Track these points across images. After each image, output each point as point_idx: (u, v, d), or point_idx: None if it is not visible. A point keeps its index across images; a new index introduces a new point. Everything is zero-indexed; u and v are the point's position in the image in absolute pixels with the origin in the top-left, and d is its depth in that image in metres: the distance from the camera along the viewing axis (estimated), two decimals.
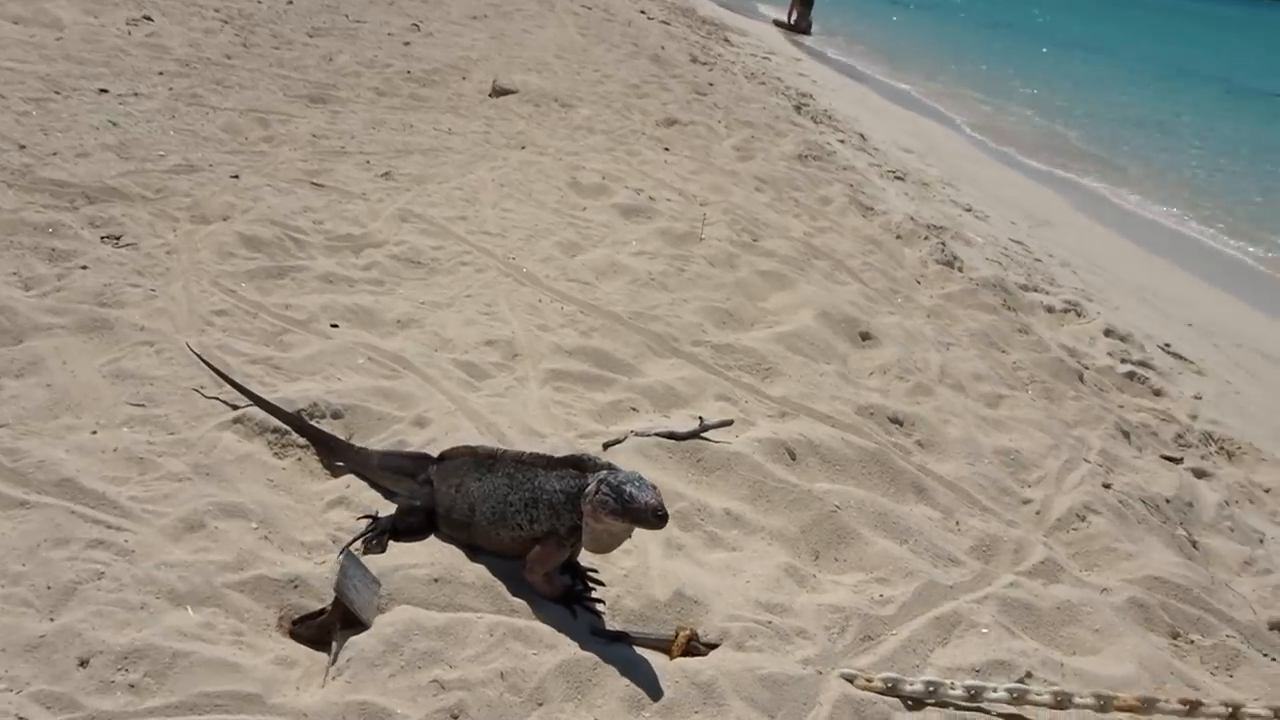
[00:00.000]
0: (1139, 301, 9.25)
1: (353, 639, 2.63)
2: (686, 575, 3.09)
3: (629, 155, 8.27)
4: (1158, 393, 6.40)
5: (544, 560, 2.87)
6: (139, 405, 3.59)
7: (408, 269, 5.16)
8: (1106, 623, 3.44)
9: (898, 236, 8.05)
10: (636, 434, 3.78)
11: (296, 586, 2.84)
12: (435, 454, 3.20)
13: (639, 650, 2.78)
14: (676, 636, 2.80)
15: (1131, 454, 5.16)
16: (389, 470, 3.33)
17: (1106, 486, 4.47)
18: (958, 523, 3.92)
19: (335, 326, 4.40)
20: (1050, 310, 7.54)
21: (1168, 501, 4.60)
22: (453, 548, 2.99)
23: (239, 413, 3.57)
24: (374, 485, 3.34)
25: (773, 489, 3.70)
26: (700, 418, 3.92)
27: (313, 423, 3.57)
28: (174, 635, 2.57)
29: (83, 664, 2.45)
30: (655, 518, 2.61)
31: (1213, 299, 9.90)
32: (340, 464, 3.47)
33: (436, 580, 2.83)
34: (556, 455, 2.90)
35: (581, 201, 6.80)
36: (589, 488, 2.73)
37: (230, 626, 2.68)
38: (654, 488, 2.69)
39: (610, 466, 2.76)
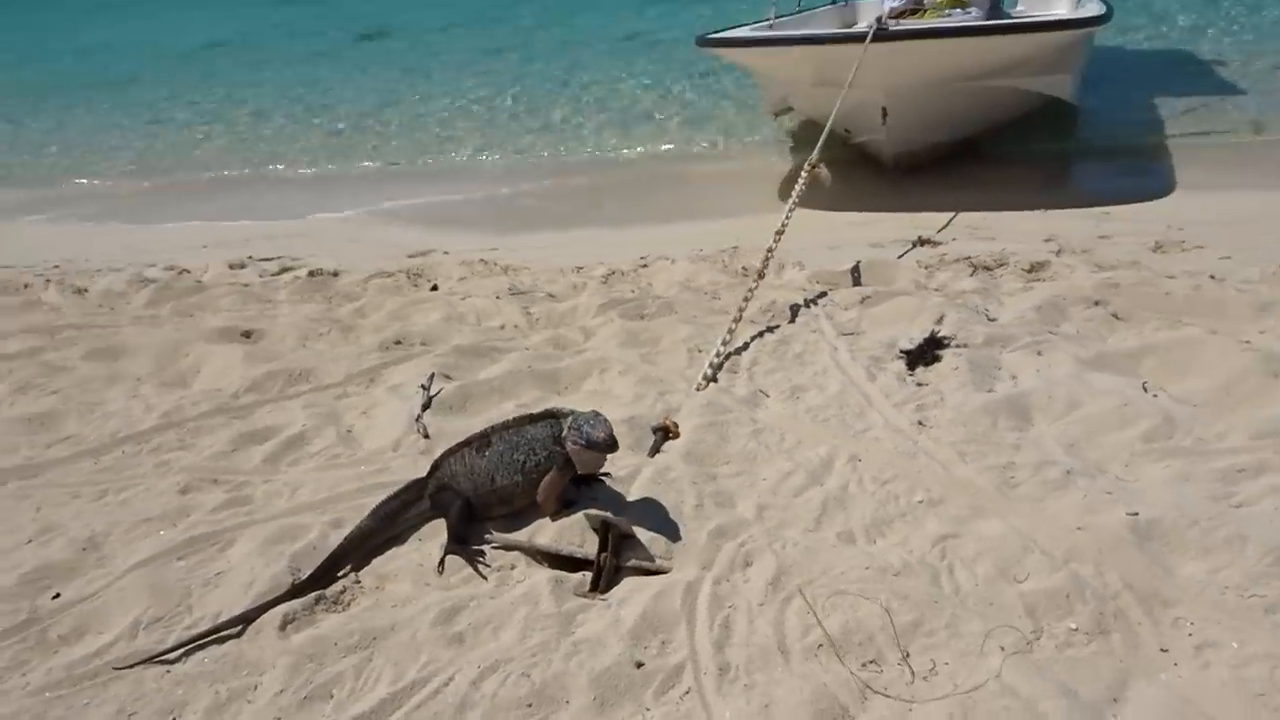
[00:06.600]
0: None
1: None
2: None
3: None
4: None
5: (552, 487, 3.79)
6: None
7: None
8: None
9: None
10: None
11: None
12: (420, 475, 3.98)
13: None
14: (666, 427, 4.59)
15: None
16: (390, 516, 3.84)
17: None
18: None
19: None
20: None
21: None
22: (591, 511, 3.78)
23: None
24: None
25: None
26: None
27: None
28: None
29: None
30: (606, 447, 3.66)
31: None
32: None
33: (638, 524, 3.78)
34: (534, 412, 3.91)
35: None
36: (564, 431, 3.74)
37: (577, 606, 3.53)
38: (605, 422, 3.72)
39: (571, 412, 3.80)
